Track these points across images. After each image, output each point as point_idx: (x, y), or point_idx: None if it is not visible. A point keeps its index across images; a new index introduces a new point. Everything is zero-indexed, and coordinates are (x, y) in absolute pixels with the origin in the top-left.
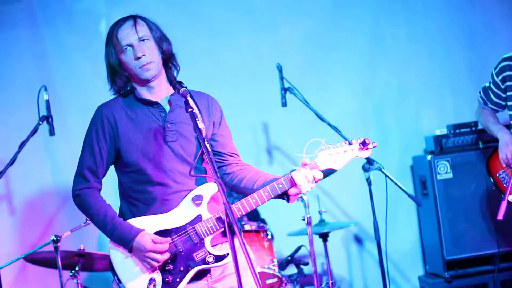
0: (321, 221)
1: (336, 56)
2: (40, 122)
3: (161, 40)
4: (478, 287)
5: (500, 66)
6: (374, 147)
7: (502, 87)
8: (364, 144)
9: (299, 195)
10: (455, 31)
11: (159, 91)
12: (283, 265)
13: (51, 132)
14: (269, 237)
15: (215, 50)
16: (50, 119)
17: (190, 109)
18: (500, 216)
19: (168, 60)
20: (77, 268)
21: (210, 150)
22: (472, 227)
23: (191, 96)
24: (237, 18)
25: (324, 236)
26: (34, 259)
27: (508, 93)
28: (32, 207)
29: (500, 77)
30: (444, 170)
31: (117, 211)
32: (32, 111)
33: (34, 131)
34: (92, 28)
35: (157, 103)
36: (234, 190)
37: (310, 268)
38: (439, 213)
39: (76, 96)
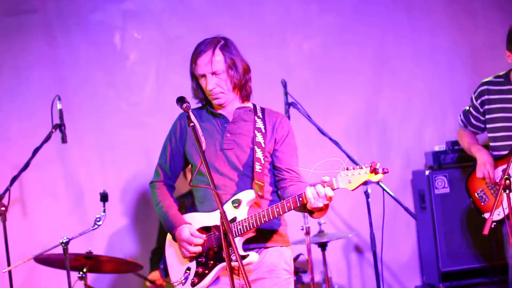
0: (320, 232)
1: (341, 73)
2: (53, 130)
3: (234, 73)
4: None
5: (479, 90)
6: (385, 172)
7: (481, 110)
8: (374, 169)
9: (323, 210)
10: (458, 51)
11: (230, 107)
12: None
13: (64, 140)
14: None
15: None
16: (62, 127)
17: (191, 124)
18: (486, 231)
19: (241, 88)
20: (85, 270)
21: (262, 161)
22: (467, 240)
23: (263, 112)
24: (247, 35)
25: (323, 246)
26: (44, 260)
27: (487, 116)
28: (43, 210)
29: (479, 101)
30: (441, 184)
31: None
32: (46, 119)
33: (47, 138)
34: (106, 39)
35: (221, 114)
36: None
37: (308, 275)
38: (436, 226)
39: (89, 105)
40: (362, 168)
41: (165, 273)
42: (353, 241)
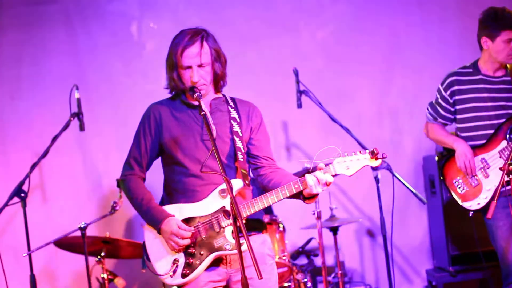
0: (332, 216)
1: (353, 61)
2: (71, 119)
3: (218, 65)
4: (481, 281)
5: (447, 81)
6: (384, 158)
7: (451, 101)
8: (373, 154)
9: (315, 197)
10: (468, 39)
11: (205, 98)
12: (294, 255)
13: (82, 128)
14: (281, 229)
15: (240, 53)
16: (80, 116)
17: (202, 112)
18: (489, 215)
19: (219, 80)
20: (102, 254)
21: (243, 150)
22: (476, 225)
23: (234, 102)
24: (260, 25)
25: (334, 230)
26: (63, 244)
27: (457, 107)
28: (63, 196)
29: (448, 92)
30: None
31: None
32: (65, 107)
33: (66, 126)
34: (124, 29)
35: (199, 106)
36: (264, 190)
37: (320, 259)
38: (445, 210)
39: (107, 93)
40: (360, 153)
41: (145, 265)
42: (365, 226)
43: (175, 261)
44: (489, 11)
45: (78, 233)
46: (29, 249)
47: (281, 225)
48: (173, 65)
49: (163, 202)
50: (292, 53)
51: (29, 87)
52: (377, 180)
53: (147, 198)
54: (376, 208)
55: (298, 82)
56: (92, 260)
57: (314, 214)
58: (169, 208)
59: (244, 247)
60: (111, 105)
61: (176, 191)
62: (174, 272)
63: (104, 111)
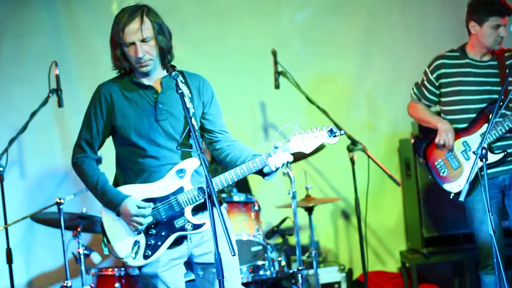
0: (307, 196)
1: (332, 42)
2: (50, 94)
3: (162, 38)
4: (455, 264)
5: (434, 64)
6: (341, 134)
7: (437, 84)
8: (331, 132)
9: (272, 173)
10: (447, 22)
11: (154, 76)
12: (269, 234)
13: (60, 104)
14: (256, 208)
15: (219, 33)
16: (59, 92)
17: (180, 91)
18: (462, 197)
19: (165, 54)
20: (79, 229)
21: (197, 127)
22: (450, 207)
23: (183, 76)
24: (241, 4)
25: (310, 210)
26: (40, 219)
27: (443, 90)
28: (41, 171)
29: (434, 75)
30: None
31: (112, 179)
32: (45, 84)
33: (44, 102)
34: (104, 8)
35: (150, 86)
36: (222, 164)
37: (294, 238)
38: (420, 193)
39: (86, 71)
40: (317, 130)
41: (108, 248)
42: (340, 206)
43: (136, 243)
44: None
45: (55, 208)
46: (5, 222)
47: (256, 204)
48: (116, 43)
49: (117, 182)
50: (271, 35)
51: (10, 64)
52: (352, 161)
53: (101, 181)
54: (351, 189)
55: (276, 63)
56: (68, 235)
57: (289, 193)
58: (125, 189)
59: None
60: (91, 83)
61: (131, 171)
62: (136, 253)
63: (83, 88)
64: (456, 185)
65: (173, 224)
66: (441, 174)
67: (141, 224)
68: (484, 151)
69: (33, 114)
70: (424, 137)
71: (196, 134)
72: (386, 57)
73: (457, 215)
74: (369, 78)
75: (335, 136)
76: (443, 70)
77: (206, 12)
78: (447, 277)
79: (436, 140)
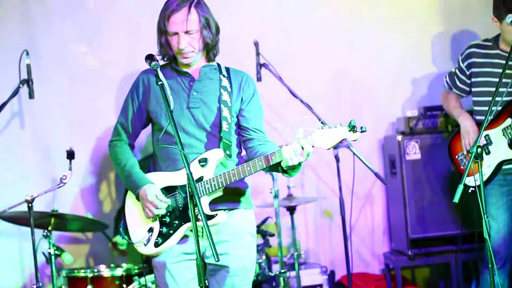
0: (290, 195)
1: (315, 34)
2: (21, 85)
3: (208, 33)
4: (440, 266)
5: (466, 52)
6: (362, 131)
7: (467, 73)
8: (352, 127)
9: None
10: (434, 13)
11: (196, 66)
12: None
13: (31, 95)
14: None
15: None
16: (30, 83)
17: (160, 82)
18: (456, 199)
19: (210, 49)
20: (50, 228)
21: (230, 121)
22: (437, 208)
23: (228, 71)
24: None
25: (292, 209)
26: (9, 217)
27: (473, 79)
28: (9, 166)
29: (465, 63)
30: (413, 150)
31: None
32: (15, 74)
33: (15, 93)
34: None
35: (187, 73)
36: None
37: (275, 239)
38: (406, 192)
39: (59, 62)
40: (339, 126)
41: (125, 232)
42: (323, 206)
43: (150, 230)
44: None
45: (25, 206)
46: None
47: None
48: (161, 30)
49: (149, 169)
50: (249, 26)
51: None
52: (337, 159)
53: (130, 164)
54: (333, 188)
55: (258, 54)
56: (38, 234)
57: (271, 192)
58: (151, 176)
59: (200, 224)
60: (63, 74)
61: (159, 158)
62: (148, 240)
63: (55, 79)
64: (473, 179)
65: (187, 214)
66: (461, 167)
67: (153, 213)
68: (479, 149)
69: (2, 106)
70: (411, 133)
71: (177, 129)
72: (369, 50)
73: (444, 215)
74: (351, 70)
75: (355, 131)
76: (473, 59)
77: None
78: (432, 280)
79: (462, 142)
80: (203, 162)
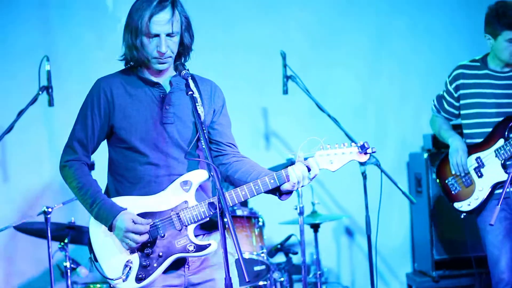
0: (314, 212)
1: (341, 48)
2: (40, 92)
3: (186, 36)
4: None
5: (454, 74)
6: (373, 152)
7: (455, 95)
8: (363, 148)
9: (292, 193)
10: (459, 30)
11: (163, 73)
12: (272, 252)
13: (50, 103)
14: (260, 224)
15: (221, 33)
16: (50, 90)
17: (190, 92)
18: (493, 221)
19: (186, 53)
20: (66, 241)
21: (206, 136)
22: (463, 229)
23: (194, 80)
24: (247, 5)
25: (315, 227)
26: (25, 229)
27: (462, 102)
28: (26, 175)
29: (453, 85)
30: None
31: (104, 188)
32: (33, 80)
33: (34, 100)
34: (98, 1)
35: (158, 83)
36: (228, 181)
37: (299, 257)
38: (432, 211)
39: (78, 67)
40: (345, 146)
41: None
42: (344, 223)
43: (128, 263)
44: (494, 6)
45: (41, 217)
46: None
47: (260, 220)
48: (139, 31)
49: (109, 192)
50: (275, 37)
51: None
52: (364, 176)
53: (94, 190)
54: (356, 205)
55: (285, 66)
56: (54, 245)
57: (296, 209)
58: (119, 201)
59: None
60: (82, 80)
61: (127, 180)
62: (127, 275)
63: (74, 86)
64: (465, 204)
65: (173, 244)
66: (452, 192)
67: (136, 242)
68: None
69: (20, 113)
70: (438, 151)
71: (207, 141)
72: (395, 64)
73: (469, 237)
74: (377, 85)
75: (366, 153)
76: (461, 81)
77: (208, 14)
78: None
79: (450, 162)
80: (186, 185)
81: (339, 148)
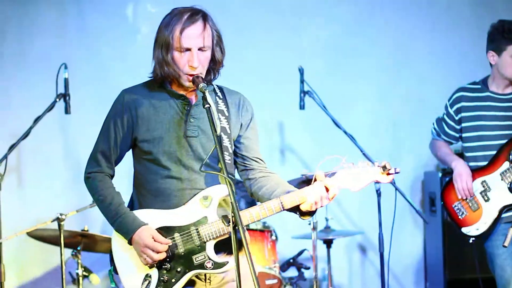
0: (327, 228)
1: (357, 64)
2: (57, 100)
3: (218, 50)
4: None
5: (454, 97)
6: (396, 173)
7: (456, 118)
8: (385, 168)
9: (314, 213)
10: (476, 50)
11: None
12: (284, 266)
13: (67, 111)
14: (273, 237)
15: (238, 47)
16: (67, 97)
17: (207, 105)
18: (506, 243)
19: (217, 69)
20: (79, 248)
21: (230, 151)
22: (476, 249)
23: (222, 92)
24: (262, 18)
25: (328, 243)
26: (37, 235)
27: (463, 125)
28: (40, 182)
29: (454, 108)
30: None
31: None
32: (50, 88)
33: (50, 107)
34: (118, 10)
35: (183, 96)
36: (254, 197)
37: (311, 272)
38: (445, 231)
39: (96, 78)
40: (369, 166)
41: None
42: (357, 240)
43: (147, 277)
44: (497, 24)
45: (55, 224)
46: None
47: (273, 234)
48: (170, 46)
49: (133, 204)
50: (291, 53)
51: (11, 66)
52: (378, 193)
53: (116, 202)
54: (370, 223)
55: (302, 81)
56: (67, 252)
57: (309, 224)
58: (141, 214)
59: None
60: (100, 90)
61: (149, 192)
62: None
63: (91, 96)
64: (473, 229)
65: (191, 260)
66: (459, 217)
67: (153, 259)
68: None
69: (37, 120)
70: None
71: (223, 155)
72: (412, 82)
73: (483, 257)
74: (392, 103)
75: (388, 174)
76: (463, 103)
77: (222, 24)
78: None
79: (455, 187)
80: (206, 200)
81: (362, 168)
